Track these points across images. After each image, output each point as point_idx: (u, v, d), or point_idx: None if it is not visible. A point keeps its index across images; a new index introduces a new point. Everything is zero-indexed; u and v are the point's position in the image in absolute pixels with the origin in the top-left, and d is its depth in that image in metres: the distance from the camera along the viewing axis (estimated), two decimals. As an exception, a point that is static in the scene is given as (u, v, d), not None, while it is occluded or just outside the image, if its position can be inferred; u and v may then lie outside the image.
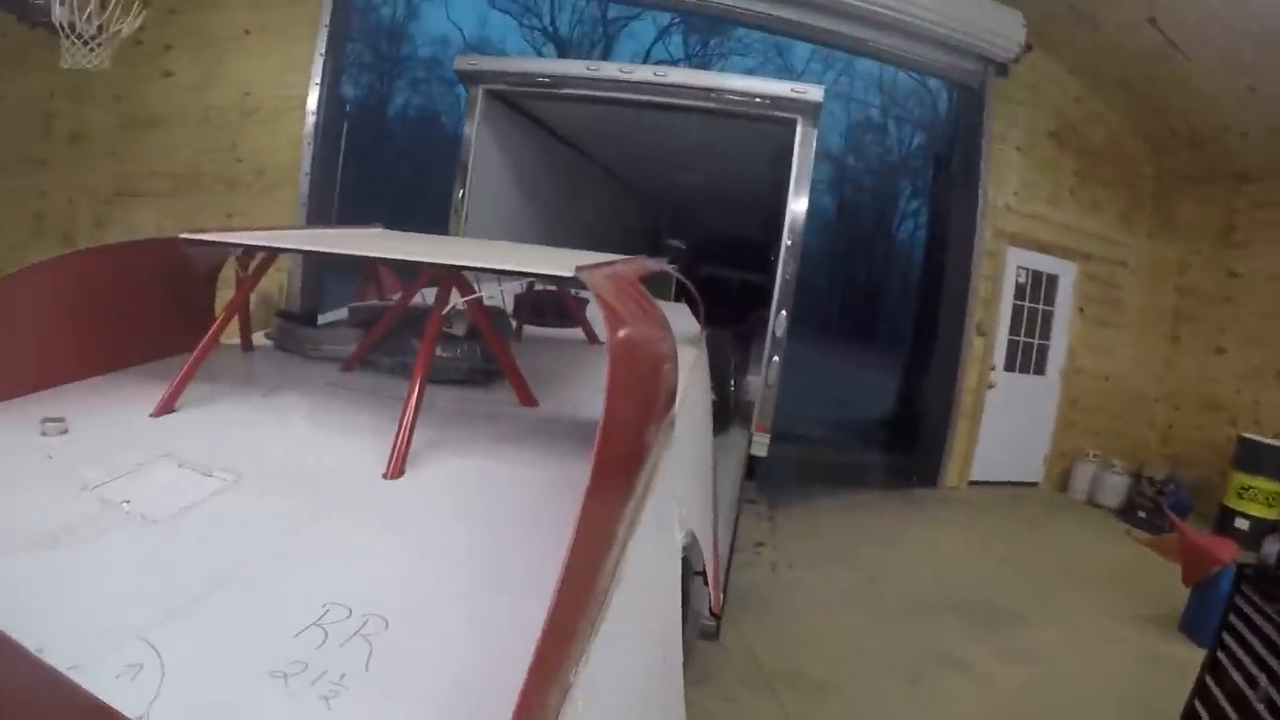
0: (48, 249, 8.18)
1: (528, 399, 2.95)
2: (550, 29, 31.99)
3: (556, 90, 7.91)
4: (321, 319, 3.84)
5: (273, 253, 3.11)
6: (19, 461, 2.04)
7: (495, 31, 32.20)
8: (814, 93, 7.28)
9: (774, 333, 7.36)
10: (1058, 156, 10.24)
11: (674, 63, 30.12)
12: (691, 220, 16.37)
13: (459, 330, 3.09)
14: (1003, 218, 9.89)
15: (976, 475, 10.23)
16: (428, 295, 3.46)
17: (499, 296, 4.09)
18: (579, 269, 2.32)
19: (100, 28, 6.24)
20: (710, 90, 7.52)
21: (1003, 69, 9.59)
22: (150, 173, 8.56)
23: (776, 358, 7.38)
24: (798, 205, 7.34)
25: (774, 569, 6.98)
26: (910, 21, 8.87)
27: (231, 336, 3.19)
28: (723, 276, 14.18)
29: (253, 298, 3.31)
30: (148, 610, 1.41)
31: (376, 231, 4.21)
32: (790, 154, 7.47)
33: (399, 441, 2.15)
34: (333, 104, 8.76)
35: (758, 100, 7.41)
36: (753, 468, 7.83)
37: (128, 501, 1.83)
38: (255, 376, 3.13)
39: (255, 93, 8.50)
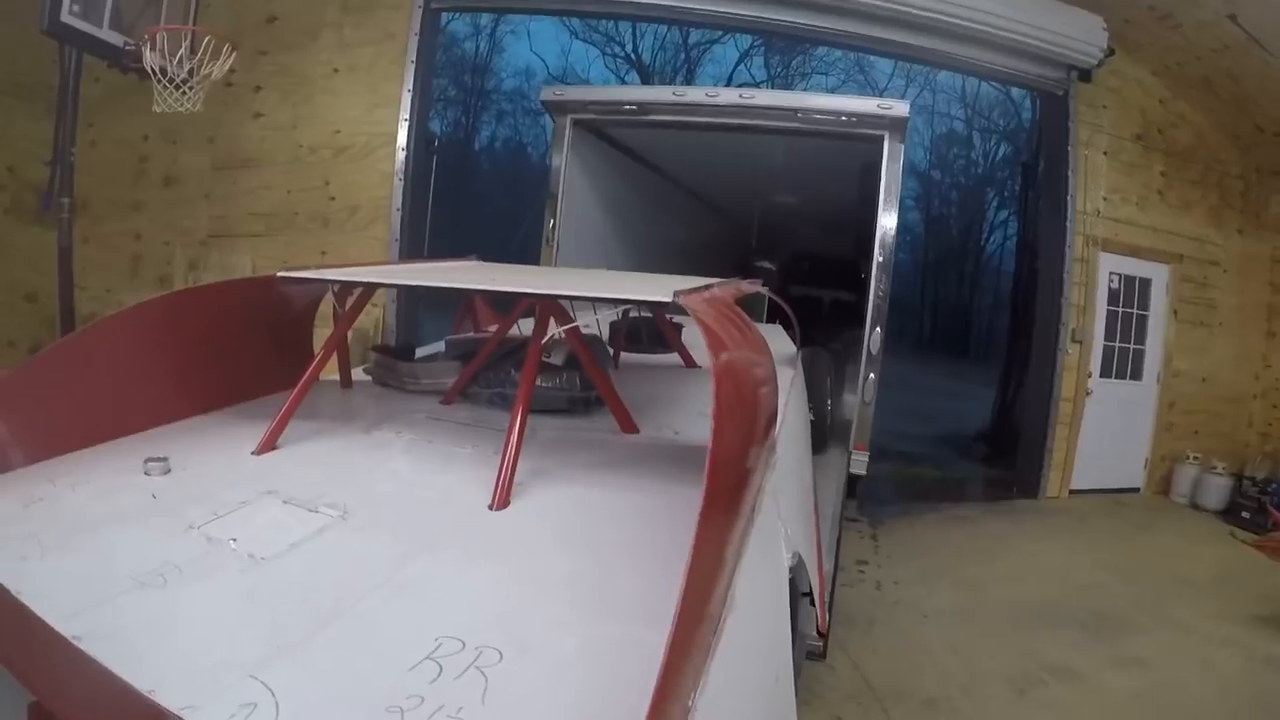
0: (144, 293, 8.32)
1: (629, 426, 2.95)
2: (633, 56, 32.05)
3: (643, 116, 7.94)
4: (419, 353, 3.88)
5: (369, 288, 3.12)
6: (124, 502, 2.06)
7: (578, 61, 32.40)
8: (899, 108, 7.26)
9: (869, 350, 7.32)
10: (1145, 159, 10.05)
11: (757, 84, 29.92)
12: (780, 240, 16.23)
13: (558, 359, 3.13)
14: (1092, 223, 9.72)
15: (1077, 484, 10.03)
16: (525, 326, 3.49)
17: (595, 324, 4.12)
18: (678, 293, 2.30)
19: (191, 71, 6.33)
20: (796, 110, 7.54)
21: (1086, 75, 9.48)
22: (244, 213, 8.71)
23: (872, 375, 7.35)
24: (888, 221, 7.31)
25: (879, 587, 6.93)
26: (992, 32, 8.82)
27: (330, 373, 3.21)
28: (813, 296, 14.09)
29: (349, 333, 3.35)
30: (259, 648, 1.42)
31: (471, 264, 4.25)
32: (877, 170, 7.44)
33: (503, 472, 2.15)
34: (422, 139, 8.86)
35: (843, 118, 7.40)
36: (853, 486, 7.79)
37: (234, 540, 1.85)
38: (355, 412, 3.17)
39: (346, 130, 8.63)
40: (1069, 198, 9.60)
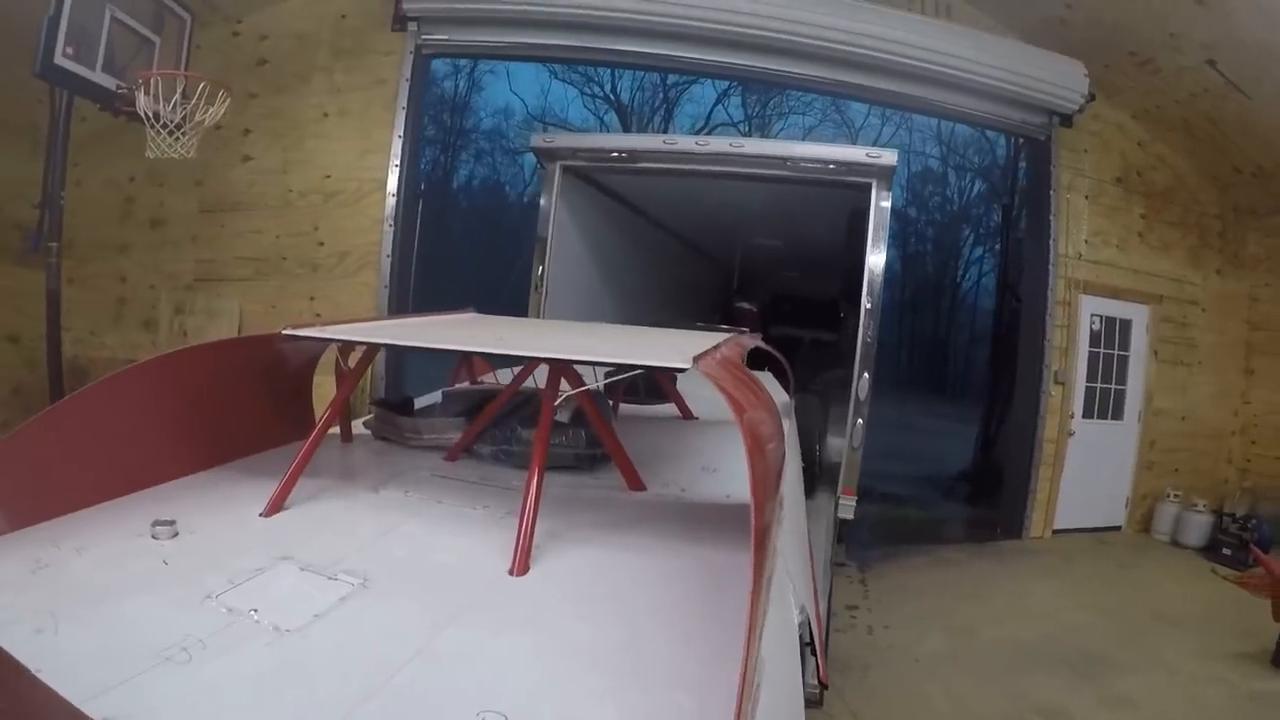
0: (128, 335, 8.41)
1: (636, 483, 2.95)
2: (611, 97, 31.93)
3: (633, 164, 7.98)
4: (417, 404, 3.85)
5: (377, 348, 3.10)
6: (135, 568, 2.01)
7: (557, 101, 32.14)
8: (887, 156, 7.31)
9: (857, 395, 7.35)
10: (1125, 201, 10.18)
11: (734, 124, 30.01)
12: (761, 282, 16.29)
13: (564, 416, 3.08)
14: (1074, 267, 9.83)
15: (1060, 524, 10.07)
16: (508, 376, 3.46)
17: (594, 377, 4.13)
18: (696, 359, 2.30)
19: (185, 117, 6.33)
20: (786, 159, 7.59)
21: (1067, 120, 9.62)
22: (232, 257, 8.68)
23: (860, 420, 7.37)
24: (875, 268, 7.34)
25: (870, 632, 6.96)
26: (975, 79, 8.93)
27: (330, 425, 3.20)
28: (793, 336, 14.11)
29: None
30: None
31: (469, 316, 4.25)
32: (861, 214, 7.51)
33: (521, 537, 2.13)
34: (412, 185, 8.88)
35: (831, 166, 7.45)
36: (840, 530, 7.79)
37: (255, 610, 1.80)
38: (360, 470, 3.12)
39: (336, 175, 8.63)
40: (1051, 241, 9.71)
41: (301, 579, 1.99)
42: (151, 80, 6.24)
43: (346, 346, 3.19)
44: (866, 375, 7.27)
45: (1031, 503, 9.93)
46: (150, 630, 1.68)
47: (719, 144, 7.86)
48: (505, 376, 4.76)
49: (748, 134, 28.57)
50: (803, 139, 26.22)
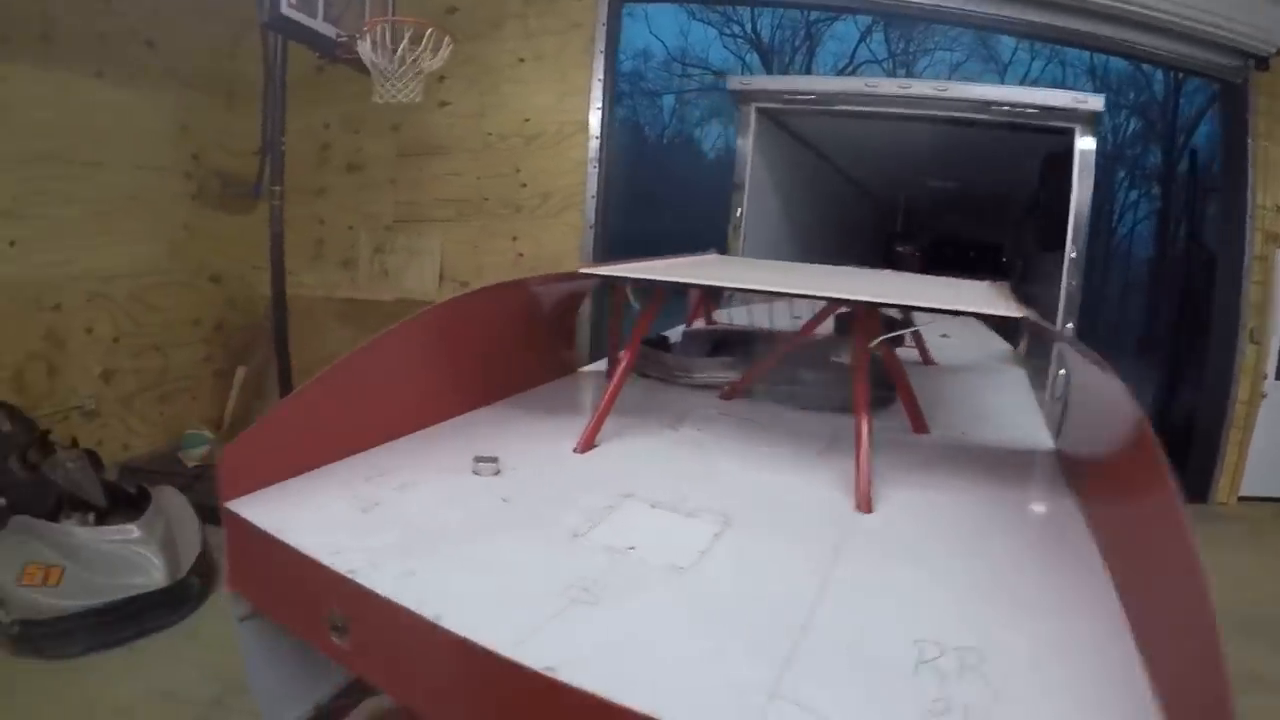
0: (326, 275, 8.81)
1: (921, 426, 2.97)
2: (752, 36, 31.53)
3: (830, 106, 7.94)
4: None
5: (667, 287, 3.15)
6: (476, 506, 1.98)
7: (697, 42, 31.52)
8: (1094, 102, 7.16)
9: None
10: (1322, 153, 9.53)
11: (878, 62, 29.22)
12: (921, 224, 16.05)
13: (847, 359, 3.13)
14: (1273, 220, 9.29)
15: (1246, 490, 9.67)
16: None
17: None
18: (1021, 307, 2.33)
19: (412, 62, 6.51)
20: (989, 103, 7.45)
21: (1263, 63, 8.99)
22: (432, 199, 8.92)
23: (1063, 371, 7.22)
24: (1081, 214, 7.19)
25: (1066, 587, 6.88)
26: (1166, 19, 8.45)
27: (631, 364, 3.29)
28: None
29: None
30: (760, 665, 1.31)
31: (714, 257, 4.38)
32: (1055, 159, 7.39)
33: (860, 477, 2.11)
34: (613, 127, 8.99)
35: (1033, 110, 7.32)
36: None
37: (632, 548, 1.73)
38: (646, 408, 3.12)
39: (535, 119, 8.77)
40: (1249, 193, 9.17)
41: (659, 517, 1.95)
42: (377, 28, 6.48)
43: (622, 288, 3.27)
44: (1070, 325, 7.14)
45: (1220, 467, 9.57)
46: (535, 571, 1.64)
47: (923, 87, 7.74)
48: (739, 316, 4.94)
49: (890, 72, 27.96)
50: (949, 77, 25.50)
